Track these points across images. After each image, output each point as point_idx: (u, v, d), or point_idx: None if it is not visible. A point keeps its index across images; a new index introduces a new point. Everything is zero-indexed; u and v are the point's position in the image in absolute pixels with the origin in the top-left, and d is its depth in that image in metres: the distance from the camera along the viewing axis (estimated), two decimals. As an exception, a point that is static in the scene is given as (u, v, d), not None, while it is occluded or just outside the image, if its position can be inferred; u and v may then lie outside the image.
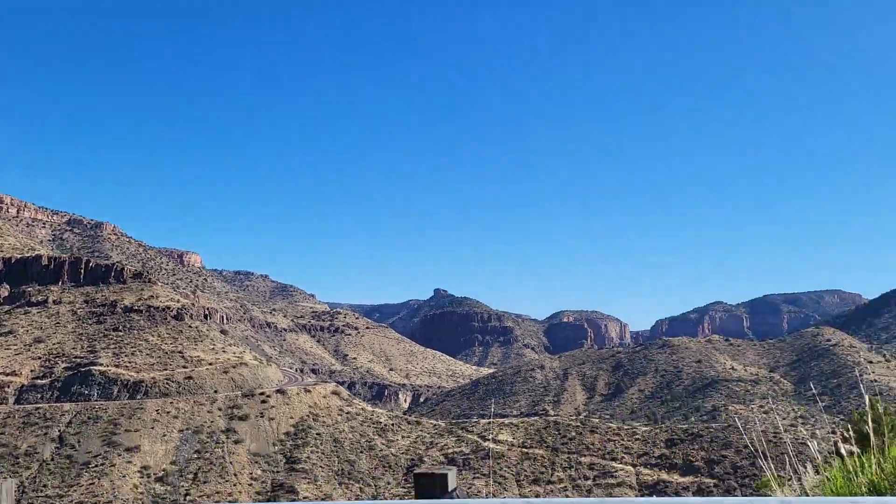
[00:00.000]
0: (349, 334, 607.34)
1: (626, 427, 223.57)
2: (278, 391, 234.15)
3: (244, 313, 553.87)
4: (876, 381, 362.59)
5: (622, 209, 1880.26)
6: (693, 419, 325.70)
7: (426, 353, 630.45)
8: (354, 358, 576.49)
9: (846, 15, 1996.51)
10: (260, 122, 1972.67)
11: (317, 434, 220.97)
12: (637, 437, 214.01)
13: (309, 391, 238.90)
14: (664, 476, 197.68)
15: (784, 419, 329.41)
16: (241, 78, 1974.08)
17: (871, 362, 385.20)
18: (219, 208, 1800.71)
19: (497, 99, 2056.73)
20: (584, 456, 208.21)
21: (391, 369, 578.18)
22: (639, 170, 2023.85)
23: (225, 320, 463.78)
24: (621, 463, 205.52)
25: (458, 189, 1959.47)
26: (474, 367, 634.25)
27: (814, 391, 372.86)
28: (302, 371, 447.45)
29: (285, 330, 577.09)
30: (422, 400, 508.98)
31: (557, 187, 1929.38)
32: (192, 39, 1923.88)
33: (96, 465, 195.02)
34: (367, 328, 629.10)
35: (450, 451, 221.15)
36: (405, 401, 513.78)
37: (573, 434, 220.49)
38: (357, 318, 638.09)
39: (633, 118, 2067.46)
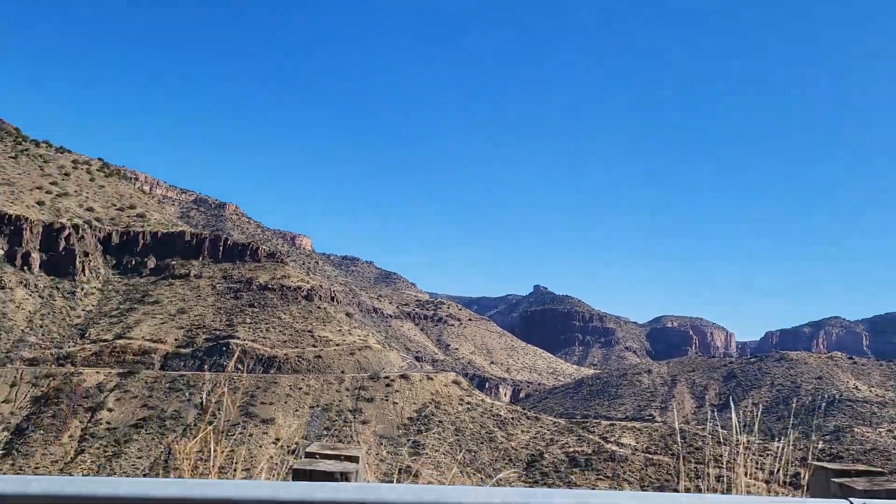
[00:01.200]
0: (452, 325, 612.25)
1: (757, 441, 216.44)
2: (402, 376, 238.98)
3: (353, 297, 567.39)
4: None
5: (732, 214, 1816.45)
6: (815, 438, 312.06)
7: (527, 349, 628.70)
8: (456, 349, 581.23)
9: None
10: (368, 115, 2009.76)
11: (439, 421, 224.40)
12: (769, 452, 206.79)
13: (431, 378, 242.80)
14: (798, 495, 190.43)
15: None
16: (366, 64, 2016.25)
17: None
18: (328, 196, 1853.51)
19: (616, 98, 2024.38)
20: (713, 467, 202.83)
21: (492, 362, 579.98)
22: (748, 171, 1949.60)
23: (337, 303, 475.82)
24: (752, 478, 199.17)
25: (561, 188, 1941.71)
26: (575, 367, 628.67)
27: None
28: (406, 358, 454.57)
29: (391, 316, 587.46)
30: (522, 395, 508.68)
31: (662, 193, 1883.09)
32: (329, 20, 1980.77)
33: (234, 434, 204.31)
34: (470, 320, 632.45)
35: (570, 449, 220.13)
36: (505, 395, 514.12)
37: (700, 443, 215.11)
38: (460, 310, 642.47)
39: (722, 113, 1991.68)
